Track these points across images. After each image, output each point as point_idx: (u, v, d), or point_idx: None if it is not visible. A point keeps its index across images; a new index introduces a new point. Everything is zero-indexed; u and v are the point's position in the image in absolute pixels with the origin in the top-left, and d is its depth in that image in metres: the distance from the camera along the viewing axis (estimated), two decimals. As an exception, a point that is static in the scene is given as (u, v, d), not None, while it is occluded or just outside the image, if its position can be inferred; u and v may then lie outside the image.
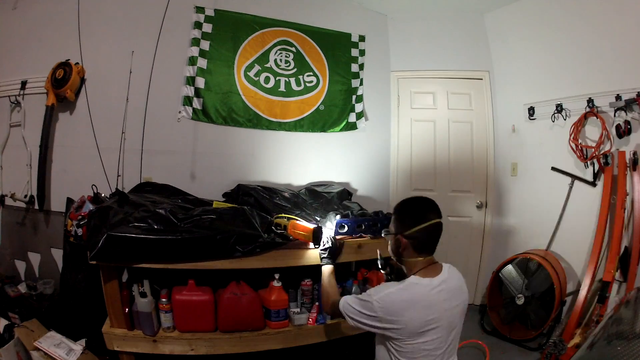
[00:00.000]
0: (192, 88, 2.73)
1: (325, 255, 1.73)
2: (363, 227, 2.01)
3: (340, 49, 3.21)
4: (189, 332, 1.80)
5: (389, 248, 1.43)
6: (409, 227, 1.31)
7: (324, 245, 1.76)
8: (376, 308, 1.24)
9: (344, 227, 1.93)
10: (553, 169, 2.91)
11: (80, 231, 1.83)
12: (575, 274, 2.75)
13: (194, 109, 2.73)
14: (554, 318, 2.56)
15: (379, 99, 3.36)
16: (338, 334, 2.00)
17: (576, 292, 2.62)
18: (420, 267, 1.32)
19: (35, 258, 2.58)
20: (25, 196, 2.49)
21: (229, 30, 2.86)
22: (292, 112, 3.04)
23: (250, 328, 1.84)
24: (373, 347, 1.42)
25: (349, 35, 3.25)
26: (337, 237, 1.89)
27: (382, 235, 1.56)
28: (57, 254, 2.49)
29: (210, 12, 2.80)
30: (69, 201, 2.34)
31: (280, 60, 3.02)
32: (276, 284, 1.88)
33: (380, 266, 1.62)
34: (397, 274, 1.56)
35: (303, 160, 3.06)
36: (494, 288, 2.90)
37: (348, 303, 1.35)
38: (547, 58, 2.97)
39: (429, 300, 1.25)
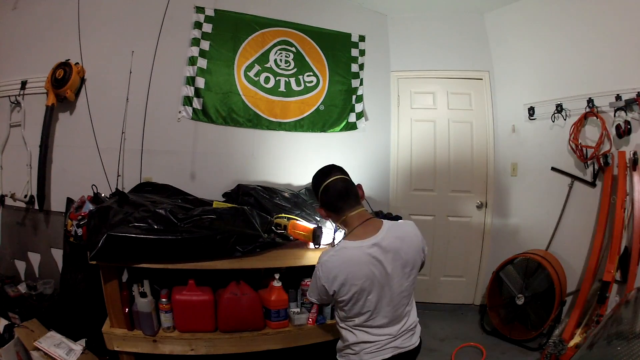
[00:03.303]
0: (192, 88, 2.73)
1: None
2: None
3: (340, 49, 3.21)
4: (189, 332, 1.80)
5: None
6: (318, 198, 1.38)
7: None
8: (320, 277, 1.28)
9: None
10: (553, 169, 2.91)
11: (80, 231, 1.83)
12: (575, 274, 2.75)
13: (194, 109, 2.73)
14: (554, 318, 2.56)
15: (379, 99, 3.36)
16: (338, 334, 2.00)
17: (576, 292, 2.62)
18: (354, 225, 1.32)
19: (35, 258, 2.57)
20: (25, 196, 2.49)
21: (229, 30, 2.86)
22: (292, 112, 3.04)
23: (250, 328, 1.84)
24: None
25: (349, 35, 3.25)
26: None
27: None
28: (57, 254, 2.49)
29: (210, 12, 2.80)
30: (69, 201, 2.35)
31: (280, 60, 3.01)
32: (276, 284, 1.88)
33: None
34: None
35: (303, 160, 3.05)
36: (494, 288, 2.90)
37: (309, 286, 1.40)
38: (547, 58, 2.96)
39: (361, 259, 1.25)
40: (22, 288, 2.32)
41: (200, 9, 2.77)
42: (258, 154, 2.95)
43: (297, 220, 1.94)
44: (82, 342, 1.95)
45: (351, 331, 1.33)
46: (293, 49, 3.06)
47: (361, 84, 3.25)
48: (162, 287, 1.81)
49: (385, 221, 1.34)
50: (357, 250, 1.26)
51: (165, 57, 2.60)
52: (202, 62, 2.75)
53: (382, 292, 1.28)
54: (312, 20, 3.13)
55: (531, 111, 3.06)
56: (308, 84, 3.09)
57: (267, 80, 2.96)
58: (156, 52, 2.55)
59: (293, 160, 3.03)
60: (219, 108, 2.81)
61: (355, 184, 1.40)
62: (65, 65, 2.42)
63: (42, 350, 1.80)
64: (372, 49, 3.32)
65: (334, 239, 1.87)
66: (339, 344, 1.42)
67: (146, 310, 1.73)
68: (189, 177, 2.72)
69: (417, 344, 1.37)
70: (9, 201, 2.48)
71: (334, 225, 1.46)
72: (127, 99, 2.52)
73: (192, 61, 2.73)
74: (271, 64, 2.98)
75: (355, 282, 1.25)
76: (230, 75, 2.85)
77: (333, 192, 1.33)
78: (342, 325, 1.36)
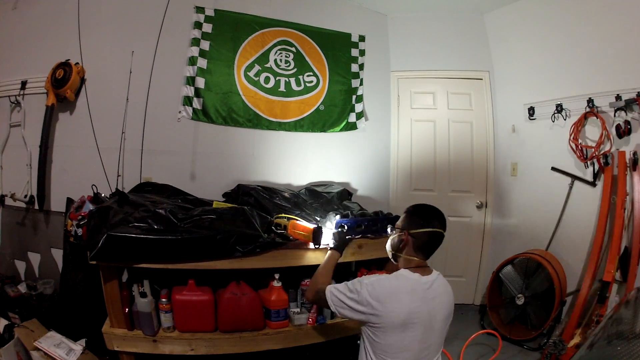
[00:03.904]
0: (192, 88, 2.73)
1: (336, 239, 1.79)
2: (363, 227, 2.01)
3: (340, 49, 3.21)
4: (189, 332, 1.80)
5: (389, 242, 1.52)
6: (416, 227, 1.40)
7: (339, 230, 1.84)
8: (364, 291, 1.30)
9: (343, 227, 1.93)
10: (553, 169, 2.91)
11: (80, 231, 1.83)
12: (575, 274, 2.75)
13: (194, 109, 2.73)
14: (554, 318, 2.56)
15: (379, 99, 3.36)
16: (338, 334, 2.01)
17: (576, 292, 2.62)
18: (413, 265, 1.39)
19: (35, 258, 2.57)
20: (25, 196, 2.49)
21: (229, 30, 2.86)
22: (292, 112, 3.03)
23: (250, 328, 1.84)
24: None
25: (349, 35, 3.25)
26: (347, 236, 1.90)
27: (388, 230, 1.70)
28: (57, 254, 2.49)
29: (210, 12, 2.80)
30: (69, 201, 2.35)
31: (280, 60, 3.01)
32: (276, 284, 1.88)
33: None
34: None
35: (303, 160, 3.06)
36: (494, 288, 2.90)
37: (335, 287, 1.42)
38: (547, 58, 2.96)
39: (415, 292, 1.31)
40: (22, 288, 2.32)
41: (200, 9, 2.77)
42: (258, 154, 2.95)
43: (297, 220, 1.94)
44: (82, 342, 1.95)
45: None
46: (293, 49, 3.06)
47: (361, 84, 3.25)
48: (162, 287, 1.81)
49: (435, 270, 1.42)
50: (414, 282, 1.33)
51: (165, 57, 2.60)
52: (202, 62, 2.75)
53: (425, 336, 1.31)
54: (312, 20, 3.13)
55: (531, 111, 3.06)
56: (308, 84, 3.09)
57: (267, 80, 2.96)
58: (156, 52, 2.55)
59: (293, 160, 3.03)
60: (219, 108, 2.81)
61: None
62: (65, 65, 2.42)
63: (42, 350, 1.80)
64: (372, 49, 3.32)
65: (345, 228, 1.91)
66: None
67: (146, 310, 1.73)
68: (189, 177, 2.72)
69: None
70: (9, 201, 2.48)
71: (392, 251, 1.51)
72: (127, 99, 2.51)
73: (192, 61, 2.73)
74: (271, 64, 2.98)
75: (400, 310, 1.27)
76: (230, 75, 2.85)
77: (435, 241, 1.40)
78: None
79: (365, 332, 1.36)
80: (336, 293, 1.39)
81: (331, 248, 1.76)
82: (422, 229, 1.38)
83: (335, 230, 1.87)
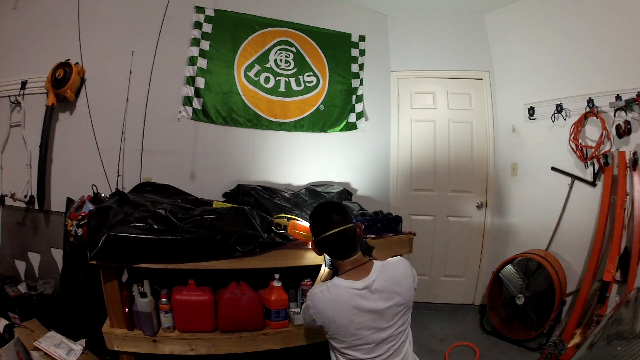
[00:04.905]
0: (192, 88, 2.73)
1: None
2: (362, 227, 2.01)
3: (340, 49, 3.21)
4: (189, 332, 1.80)
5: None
6: (317, 235, 1.40)
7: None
8: (310, 306, 1.37)
9: None
10: (553, 169, 2.91)
11: (80, 231, 1.83)
12: (575, 274, 2.75)
13: (194, 109, 2.73)
14: (554, 318, 2.56)
15: (379, 99, 3.36)
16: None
17: (576, 292, 2.62)
18: (347, 267, 1.37)
19: (35, 258, 2.57)
20: (25, 196, 2.49)
21: (229, 30, 2.86)
22: (292, 112, 3.03)
23: (250, 328, 1.84)
24: None
25: (349, 35, 3.25)
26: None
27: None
28: (57, 254, 2.49)
29: (210, 12, 2.80)
30: (69, 201, 2.35)
31: (280, 60, 3.01)
32: (276, 284, 1.88)
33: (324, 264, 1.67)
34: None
35: (303, 160, 3.06)
36: (494, 288, 2.90)
37: (303, 308, 1.49)
38: (547, 58, 2.96)
39: (347, 302, 1.31)
40: (22, 288, 2.32)
41: (200, 9, 2.77)
42: (258, 154, 2.94)
43: (297, 220, 1.94)
44: (82, 342, 1.95)
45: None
46: (293, 49, 3.06)
47: (361, 84, 3.25)
48: (162, 287, 1.80)
49: (376, 262, 1.38)
50: (346, 291, 1.31)
51: (165, 57, 2.60)
52: (202, 62, 2.75)
53: (374, 335, 1.31)
54: (312, 20, 3.13)
55: (531, 111, 3.06)
56: (308, 84, 3.09)
57: (267, 80, 2.96)
58: (156, 52, 2.55)
59: (293, 160, 3.03)
60: (219, 108, 2.81)
61: (354, 222, 1.41)
62: (65, 65, 2.42)
63: (42, 350, 1.80)
64: (372, 49, 3.32)
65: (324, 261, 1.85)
66: None
67: (146, 310, 1.73)
68: (189, 177, 2.72)
69: None
70: (9, 201, 2.48)
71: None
72: (127, 99, 2.52)
73: (192, 61, 2.73)
74: (271, 64, 2.98)
75: (339, 321, 1.31)
76: (230, 75, 2.85)
77: (339, 241, 1.36)
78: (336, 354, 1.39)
79: (330, 340, 1.40)
80: (303, 315, 1.49)
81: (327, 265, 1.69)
82: (320, 236, 1.37)
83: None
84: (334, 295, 1.32)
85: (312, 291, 1.38)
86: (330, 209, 1.42)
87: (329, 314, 1.32)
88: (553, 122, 2.88)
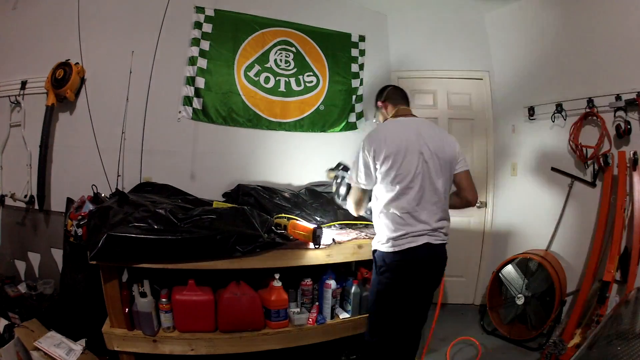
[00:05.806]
0: (192, 88, 2.73)
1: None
2: None
3: (340, 49, 3.21)
4: (189, 332, 1.80)
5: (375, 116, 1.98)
6: (381, 93, 1.90)
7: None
8: (365, 144, 1.63)
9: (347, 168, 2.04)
10: (553, 169, 2.91)
11: (80, 231, 1.83)
12: (575, 274, 2.74)
13: (194, 109, 2.73)
14: (554, 318, 2.56)
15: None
16: (338, 334, 2.01)
17: (576, 292, 2.62)
18: (400, 114, 1.77)
19: (35, 258, 2.57)
20: (25, 196, 2.49)
21: (229, 30, 2.86)
22: (292, 112, 3.03)
23: (250, 328, 1.85)
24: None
25: (349, 35, 3.25)
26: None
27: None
28: (57, 254, 2.49)
29: (210, 12, 2.80)
30: (69, 201, 2.35)
31: (280, 60, 3.01)
32: (276, 284, 1.88)
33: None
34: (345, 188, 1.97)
35: (303, 160, 3.05)
36: (494, 288, 2.89)
37: (350, 171, 1.78)
38: (547, 58, 2.96)
39: (398, 128, 1.66)
40: (22, 288, 2.32)
41: (200, 9, 2.77)
42: (258, 154, 2.94)
43: (297, 220, 1.94)
44: (82, 342, 1.95)
45: (392, 215, 1.59)
46: (293, 49, 3.06)
47: (361, 84, 3.25)
48: (162, 287, 1.81)
49: (420, 118, 1.78)
50: (399, 121, 1.70)
51: (165, 57, 2.59)
52: (202, 62, 2.75)
53: (423, 165, 1.59)
54: (312, 20, 3.12)
55: (531, 111, 3.05)
56: (308, 84, 3.09)
57: (267, 80, 2.96)
58: (156, 52, 2.55)
59: (293, 160, 3.03)
60: (219, 108, 2.81)
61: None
62: (65, 65, 2.42)
63: (42, 350, 1.80)
64: (372, 49, 3.32)
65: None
66: (375, 240, 1.69)
67: (146, 310, 1.73)
68: (189, 177, 2.72)
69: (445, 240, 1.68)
70: (9, 201, 2.48)
71: (386, 118, 1.86)
72: (127, 99, 2.51)
73: (192, 61, 2.73)
74: (271, 64, 2.98)
75: (395, 140, 1.58)
76: (230, 75, 2.85)
77: (399, 91, 1.89)
78: (383, 210, 1.61)
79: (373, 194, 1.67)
80: (351, 174, 1.73)
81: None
82: (386, 92, 1.88)
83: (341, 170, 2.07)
84: (385, 126, 1.72)
85: (366, 136, 1.67)
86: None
87: (380, 137, 1.59)
88: (553, 122, 2.88)
